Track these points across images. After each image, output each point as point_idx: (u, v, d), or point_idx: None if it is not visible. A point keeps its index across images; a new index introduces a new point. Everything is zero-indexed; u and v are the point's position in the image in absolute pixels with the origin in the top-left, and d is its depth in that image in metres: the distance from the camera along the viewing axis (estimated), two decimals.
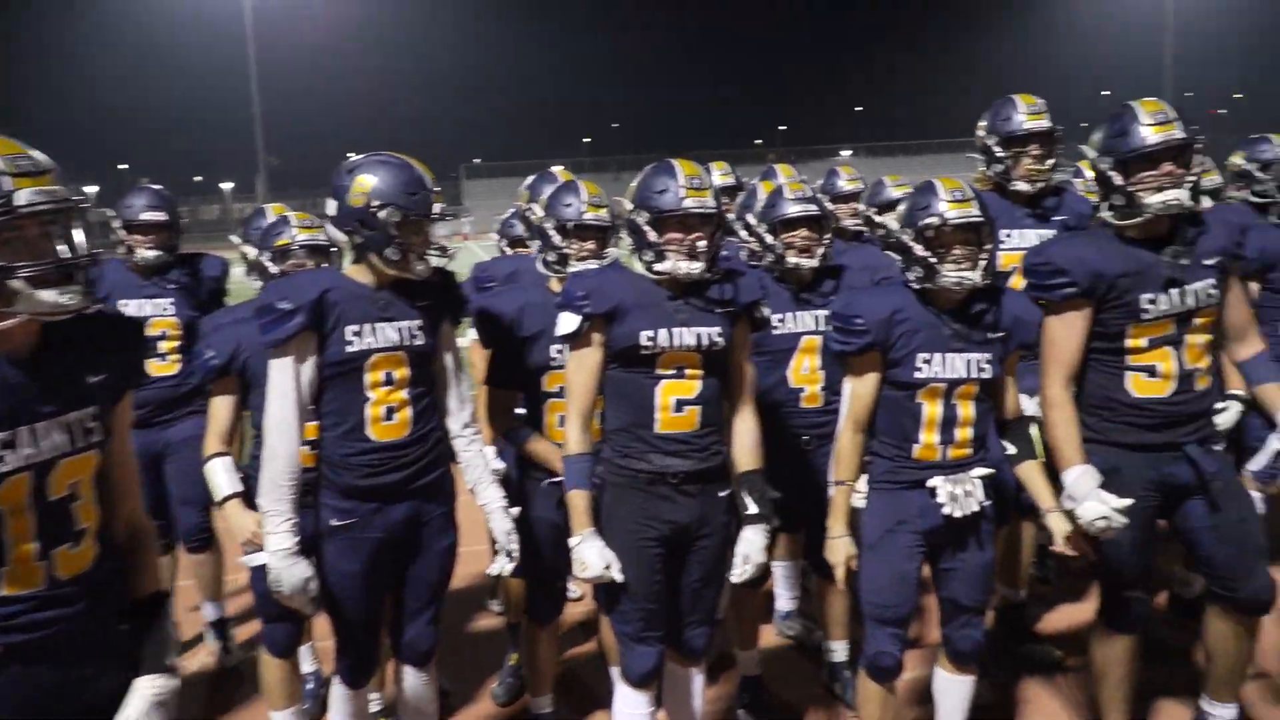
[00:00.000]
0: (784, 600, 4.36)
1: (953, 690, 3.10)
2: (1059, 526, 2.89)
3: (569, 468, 2.87)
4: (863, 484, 2.99)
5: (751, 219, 3.60)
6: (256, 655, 3.45)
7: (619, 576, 2.79)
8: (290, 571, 2.75)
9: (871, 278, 3.44)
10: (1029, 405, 3.18)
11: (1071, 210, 3.79)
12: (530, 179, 4.14)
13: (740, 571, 2.89)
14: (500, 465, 3.56)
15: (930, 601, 3.39)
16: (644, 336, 2.80)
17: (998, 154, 3.78)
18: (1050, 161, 3.78)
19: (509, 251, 4.59)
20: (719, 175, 4.91)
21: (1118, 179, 2.90)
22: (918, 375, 2.87)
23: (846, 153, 51.76)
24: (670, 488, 2.83)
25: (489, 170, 54.43)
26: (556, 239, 3.33)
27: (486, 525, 3.08)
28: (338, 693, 3.04)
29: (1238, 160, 4.24)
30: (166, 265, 4.17)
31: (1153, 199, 2.84)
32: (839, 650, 3.80)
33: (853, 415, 2.97)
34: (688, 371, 2.83)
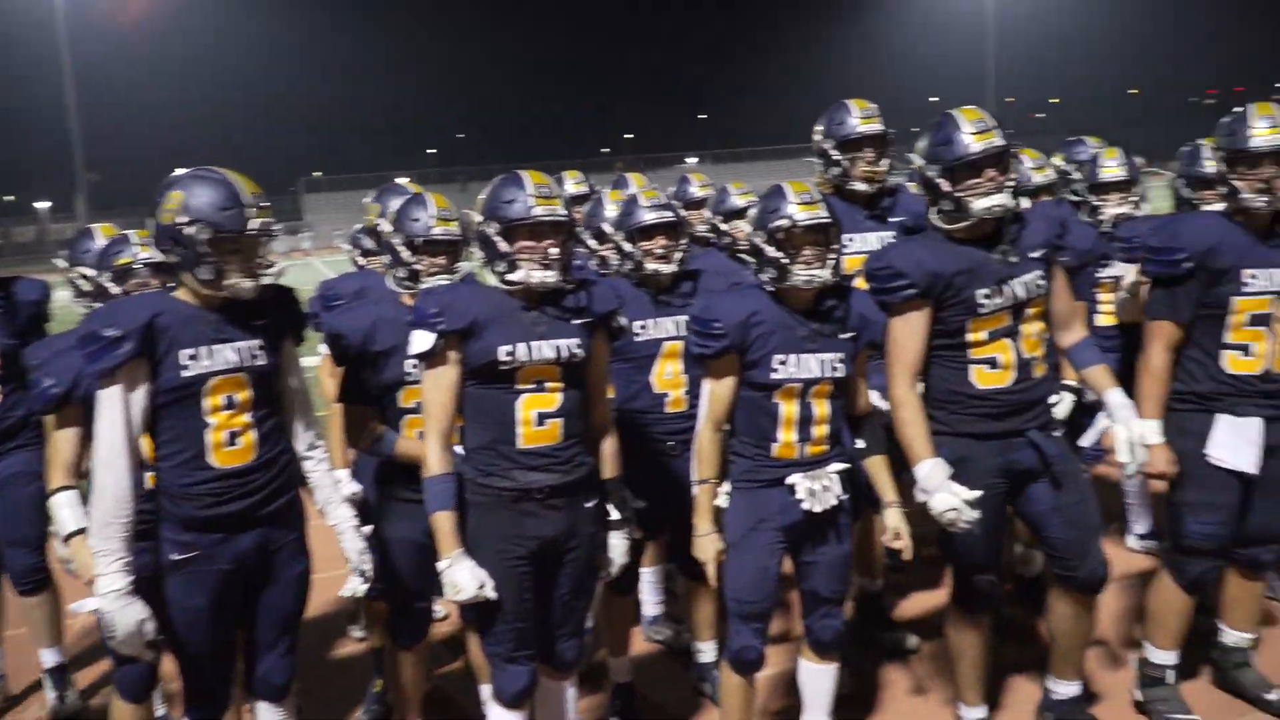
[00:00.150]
0: (650, 605, 4.38)
1: (816, 679, 3.19)
2: (892, 522, 3.03)
3: (431, 489, 2.80)
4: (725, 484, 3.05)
5: (607, 228, 3.61)
6: (98, 702, 3.23)
7: (494, 595, 2.76)
8: (124, 614, 2.58)
9: (725, 282, 3.50)
10: (879, 402, 3.29)
11: (908, 210, 3.92)
12: (374, 192, 4.04)
13: (604, 574, 2.99)
14: (355, 488, 3.46)
15: (794, 597, 3.47)
16: (502, 351, 2.77)
17: (834, 157, 3.90)
18: (885, 163, 3.93)
19: (362, 262, 4.49)
20: (572, 184, 4.91)
21: (945, 186, 3.04)
22: (774, 376, 2.93)
23: (693, 160, 52.58)
24: (536, 503, 2.81)
25: (330, 184, 52.75)
26: (406, 255, 3.25)
27: (340, 547, 2.98)
28: None
29: (1058, 161, 4.50)
30: None
31: (978, 204, 2.99)
32: (707, 651, 3.84)
33: (712, 415, 3.02)
34: (548, 385, 2.82)
